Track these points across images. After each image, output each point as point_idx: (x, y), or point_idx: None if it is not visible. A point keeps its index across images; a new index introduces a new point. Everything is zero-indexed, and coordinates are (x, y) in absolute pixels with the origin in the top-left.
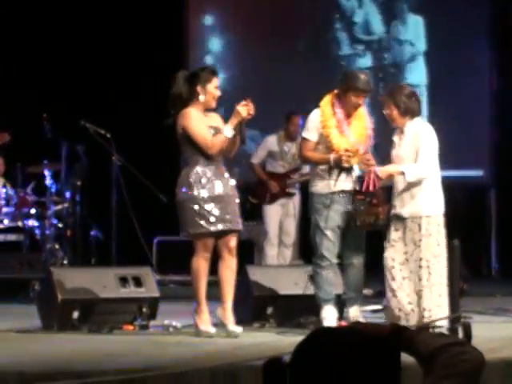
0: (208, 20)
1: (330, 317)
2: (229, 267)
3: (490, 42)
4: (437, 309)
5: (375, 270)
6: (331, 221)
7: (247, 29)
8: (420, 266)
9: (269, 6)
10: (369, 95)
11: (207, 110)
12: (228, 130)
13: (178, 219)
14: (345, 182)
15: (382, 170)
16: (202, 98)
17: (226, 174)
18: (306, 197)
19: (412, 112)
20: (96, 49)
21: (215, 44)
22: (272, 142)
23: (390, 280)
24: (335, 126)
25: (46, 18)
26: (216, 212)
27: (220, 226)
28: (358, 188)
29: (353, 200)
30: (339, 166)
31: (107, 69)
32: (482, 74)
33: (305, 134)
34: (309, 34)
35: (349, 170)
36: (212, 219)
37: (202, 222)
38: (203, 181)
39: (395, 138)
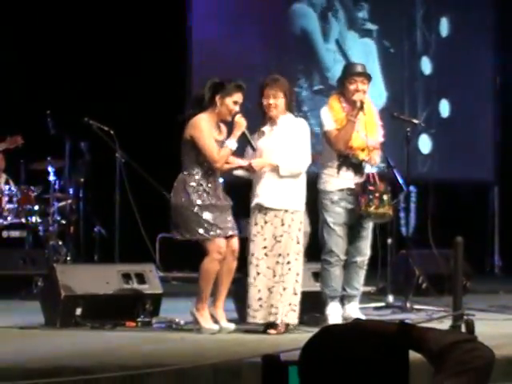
0: (212, 21)
1: (334, 313)
2: (229, 268)
3: (493, 42)
4: (287, 307)
5: (376, 268)
6: (339, 216)
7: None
8: (277, 262)
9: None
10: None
11: (222, 121)
12: (232, 143)
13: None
14: (352, 180)
15: (258, 162)
16: (217, 108)
17: (221, 184)
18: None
19: (291, 108)
20: (99, 45)
21: (219, 44)
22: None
23: (272, 277)
24: (344, 119)
25: (50, 15)
26: (212, 219)
27: (219, 232)
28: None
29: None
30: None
31: (111, 66)
32: (486, 74)
33: (324, 129)
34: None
35: (358, 167)
36: (209, 227)
37: (199, 229)
38: (201, 190)
39: (265, 129)
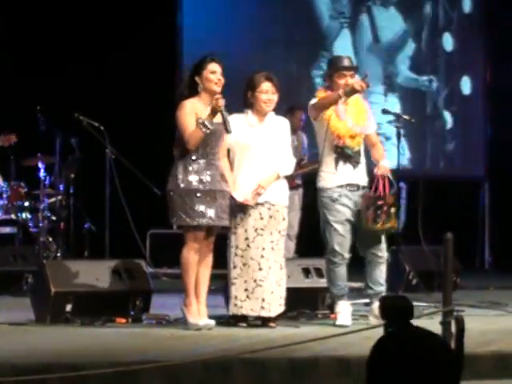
0: (202, 13)
1: (344, 312)
2: (206, 263)
3: (484, 38)
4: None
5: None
6: (340, 214)
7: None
8: (282, 256)
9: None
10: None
11: (209, 117)
12: (209, 123)
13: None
14: (351, 175)
15: (265, 183)
16: (200, 87)
17: (219, 170)
18: (308, 189)
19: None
20: (89, 41)
21: (209, 36)
22: None
23: (258, 270)
24: (333, 109)
25: (40, 11)
26: (198, 206)
27: (201, 221)
28: (370, 192)
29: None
30: (351, 92)
31: (101, 61)
32: (477, 71)
33: (311, 102)
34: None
35: (354, 158)
36: (192, 213)
37: (183, 215)
38: (190, 174)
39: (252, 121)
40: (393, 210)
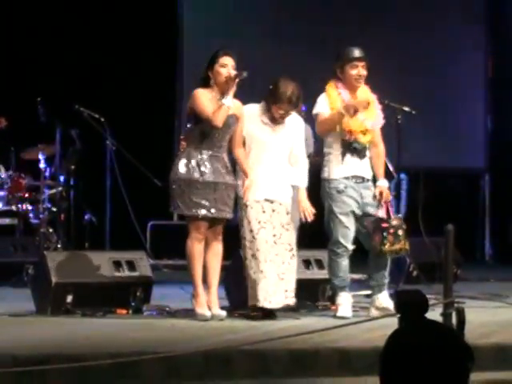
0: (203, 4)
1: (345, 303)
2: (215, 253)
3: (485, 29)
4: (294, 290)
5: (367, 255)
6: (345, 206)
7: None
8: (285, 249)
9: None
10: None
11: (225, 93)
12: (228, 101)
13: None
14: (357, 167)
15: (306, 204)
16: (212, 81)
17: (225, 163)
18: (310, 181)
19: None
20: (90, 32)
21: (210, 28)
22: None
23: (263, 262)
24: (343, 105)
25: (42, 2)
26: (196, 197)
27: (198, 212)
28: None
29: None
30: (354, 111)
31: (102, 53)
32: (478, 61)
33: (316, 111)
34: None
35: (362, 152)
36: (190, 203)
37: (181, 205)
38: (192, 165)
39: (267, 122)
40: (400, 231)
